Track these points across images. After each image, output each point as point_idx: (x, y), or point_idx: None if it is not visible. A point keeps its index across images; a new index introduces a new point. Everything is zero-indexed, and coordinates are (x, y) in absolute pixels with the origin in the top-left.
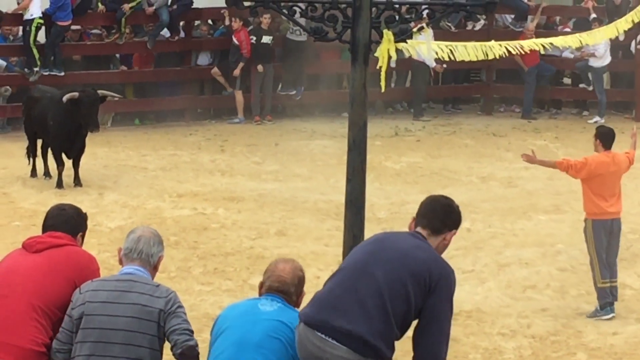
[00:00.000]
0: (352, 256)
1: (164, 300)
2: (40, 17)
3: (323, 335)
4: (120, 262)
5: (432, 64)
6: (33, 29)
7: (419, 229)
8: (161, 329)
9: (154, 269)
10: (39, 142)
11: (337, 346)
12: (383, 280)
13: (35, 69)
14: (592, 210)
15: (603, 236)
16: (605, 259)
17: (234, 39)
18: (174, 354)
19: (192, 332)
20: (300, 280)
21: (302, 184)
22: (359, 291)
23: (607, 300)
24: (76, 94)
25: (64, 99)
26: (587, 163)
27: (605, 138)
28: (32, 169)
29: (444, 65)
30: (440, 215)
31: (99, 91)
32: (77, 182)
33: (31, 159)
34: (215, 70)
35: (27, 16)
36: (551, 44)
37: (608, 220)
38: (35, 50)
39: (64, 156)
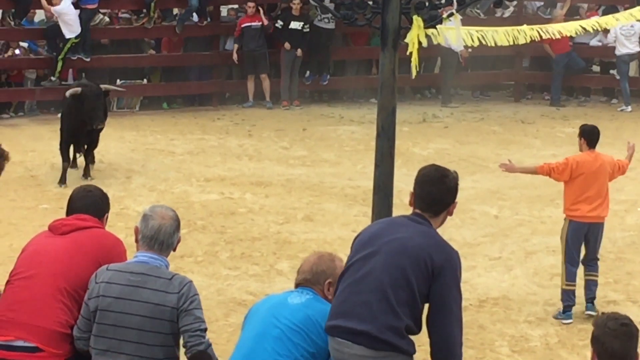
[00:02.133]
0: (355, 251)
1: (176, 297)
2: (76, 37)
3: (339, 339)
4: (137, 240)
5: (459, 49)
6: (66, 47)
7: (419, 212)
8: (175, 325)
9: (172, 250)
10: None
11: (351, 345)
12: (383, 273)
13: (52, 78)
14: (570, 212)
15: (577, 239)
16: (578, 260)
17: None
18: (185, 354)
19: (204, 330)
20: (323, 270)
21: (329, 170)
22: (362, 291)
23: (569, 303)
24: (78, 89)
25: (67, 94)
26: (569, 163)
27: (589, 136)
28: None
29: (469, 50)
30: (440, 199)
31: (102, 86)
32: (87, 174)
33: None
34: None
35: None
36: (582, 27)
37: (586, 223)
38: (60, 64)
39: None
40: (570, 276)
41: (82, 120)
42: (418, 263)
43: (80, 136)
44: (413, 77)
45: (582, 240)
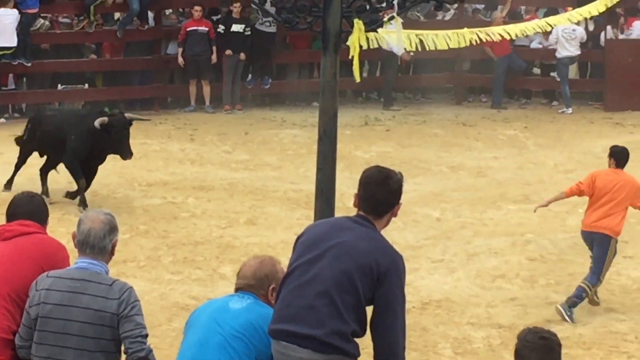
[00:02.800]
0: (298, 255)
1: (117, 303)
2: (8, 48)
3: (285, 343)
4: (76, 246)
5: (400, 53)
6: None
7: (363, 214)
8: (115, 331)
9: (109, 254)
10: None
11: (298, 349)
12: (330, 277)
13: None
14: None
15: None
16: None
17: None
18: None
19: (145, 336)
20: (266, 275)
21: (272, 173)
22: (308, 295)
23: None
24: (106, 118)
25: (97, 124)
26: (592, 176)
27: (618, 157)
28: (10, 181)
29: (412, 54)
30: (383, 201)
31: (127, 115)
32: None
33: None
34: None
35: None
36: (524, 29)
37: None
38: None
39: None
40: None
41: (101, 149)
42: (364, 267)
43: (90, 165)
44: (357, 80)
45: (589, 246)
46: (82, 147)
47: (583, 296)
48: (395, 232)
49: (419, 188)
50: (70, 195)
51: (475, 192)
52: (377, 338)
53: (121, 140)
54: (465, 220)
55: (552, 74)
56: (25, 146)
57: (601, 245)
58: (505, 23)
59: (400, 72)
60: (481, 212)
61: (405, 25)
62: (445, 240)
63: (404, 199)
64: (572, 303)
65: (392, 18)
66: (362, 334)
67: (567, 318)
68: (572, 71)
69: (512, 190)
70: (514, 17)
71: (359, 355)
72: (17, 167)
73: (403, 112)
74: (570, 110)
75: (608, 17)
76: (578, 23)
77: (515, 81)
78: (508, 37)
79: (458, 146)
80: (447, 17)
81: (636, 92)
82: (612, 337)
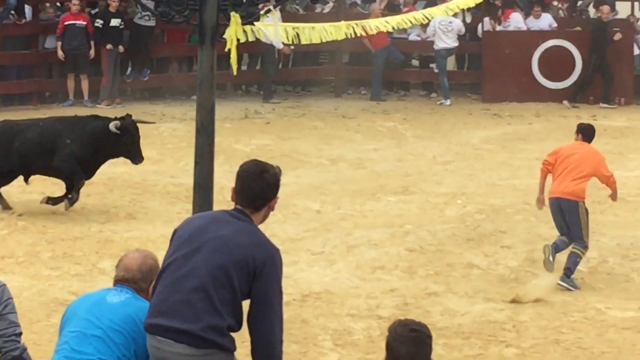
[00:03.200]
0: (175, 249)
1: None
2: None
3: (160, 337)
4: None
5: (280, 46)
6: None
7: (240, 207)
8: None
9: None
10: None
11: (173, 344)
12: (205, 272)
13: None
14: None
15: (553, 214)
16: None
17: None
18: None
19: (19, 334)
20: (150, 269)
21: (151, 167)
22: (184, 290)
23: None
24: (119, 122)
25: (112, 128)
26: (556, 150)
27: (585, 132)
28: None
29: (292, 47)
30: (260, 194)
31: (135, 119)
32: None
33: None
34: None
35: None
36: (399, 24)
37: (556, 199)
38: None
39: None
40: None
41: (107, 154)
42: (240, 262)
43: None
44: (234, 74)
45: (558, 216)
46: (80, 152)
47: (578, 261)
48: (275, 225)
49: (299, 181)
50: (53, 200)
51: (355, 184)
52: (254, 332)
53: (133, 144)
54: (345, 212)
55: (430, 65)
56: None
57: (571, 212)
58: (383, 15)
59: (280, 65)
60: (361, 204)
61: (284, 18)
62: (325, 233)
63: (283, 191)
64: (569, 272)
65: (269, 11)
66: (238, 328)
67: (572, 288)
68: (450, 63)
69: (391, 182)
70: (392, 9)
71: (234, 349)
72: None
73: (283, 105)
74: (448, 101)
75: (485, 8)
76: (455, 15)
77: (393, 73)
78: (385, 30)
79: (338, 138)
80: (326, 10)
81: (513, 83)
82: (491, 327)
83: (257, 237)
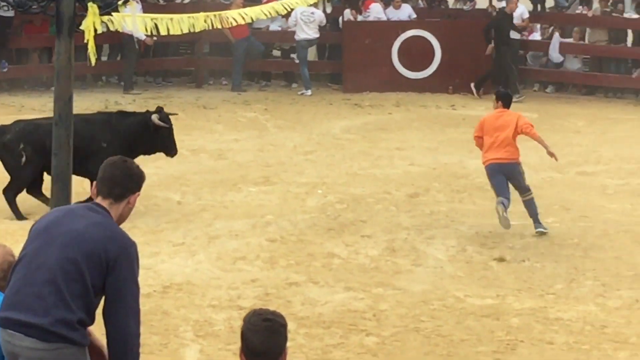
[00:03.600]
0: (30, 242)
1: None
2: None
3: (11, 331)
4: None
5: (142, 37)
6: None
7: (99, 199)
8: None
9: None
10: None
11: (24, 338)
12: (56, 266)
13: None
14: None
15: (494, 177)
16: (505, 193)
17: None
18: None
19: None
20: (10, 267)
21: None
22: (35, 283)
23: (502, 205)
24: (158, 115)
25: (156, 121)
26: (480, 122)
27: (504, 98)
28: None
29: (155, 38)
30: (120, 182)
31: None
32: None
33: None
34: None
35: None
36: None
37: (496, 164)
38: None
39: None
40: (499, 203)
41: (143, 149)
42: (92, 256)
43: None
44: (92, 64)
45: (503, 177)
46: (117, 151)
47: (535, 203)
48: (136, 216)
49: (160, 172)
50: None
51: (216, 175)
52: (108, 326)
53: (169, 137)
54: (205, 203)
55: (291, 56)
56: (26, 169)
57: (513, 172)
58: (244, 6)
59: (141, 56)
60: (222, 195)
61: (145, 9)
62: (186, 224)
63: (145, 182)
64: (537, 219)
65: (126, 1)
66: (90, 322)
67: (546, 229)
68: (311, 53)
69: (252, 173)
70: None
71: (86, 343)
72: (15, 195)
73: (143, 95)
74: (309, 92)
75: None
76: (316, 6)
77: (254, 64)
78: (243, 21)
79: (199, 129)
80: (186, 0)
81: (373, 73)
82: (351, 316)
83: (111, 231)
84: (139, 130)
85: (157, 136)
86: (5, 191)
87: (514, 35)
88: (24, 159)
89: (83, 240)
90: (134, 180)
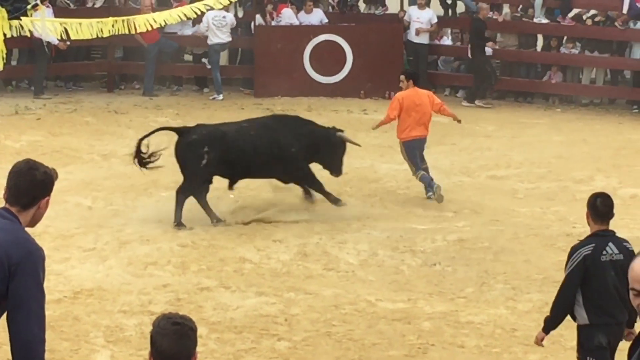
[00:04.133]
0: None
1: None
2: None
3: None
4: None
5: (55, 41)
6: None
7: (8, 205)
8: None
9: None
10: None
11: None
12: None
13: None
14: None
15: (413, 152)
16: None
17: None
18: None
19: None
20: None
21: None
22: None
23: (427, 181)
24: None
25: (344, 137)
26: (397, 99)
27: (414, 77)
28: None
29: (68, 42)
30: (26, 191)
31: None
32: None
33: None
34: None
35: None
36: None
37: (415, 140)
38: None
39: None
40: (424, 176)
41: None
42: None
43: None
44: (0, 69)
45: (417, 152)
46: (305, 158)
47: (427, 177)
48: (47, 221)
49: (70, 177)
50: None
51: (127, 180)
52: (11, 333)
53: (340, 157)
54: (117, 208)
55: (202, 60)
56: (202, 172)
57: (423, 146)
58: (154, 10)
59: (52, 60)
60: (133, 200)
61: (56, 13)
62: (97, 229)
63: (55, 188)
64: (430, 186)
65: (35, 6)
66: None
67: (436, 192)
68: (223, 58)
69: (163, 178)
70: (163, 3)
71: None
72: (186, 198)
73: (54, 100)
74: (221, 96)
75: (256, 5)
76: (227, 9)
77: (166, 68)
78: (152, 27)
79: (110, 134)
80: (98, 4)
81: (285, 77)
82: (263, 320)
83: (15, 235)
84: (323, 142)
85: (333, 153)
86: (179, 191)
87: (421, 39)
88: (204, 161)
89: None
90: (40, 188)
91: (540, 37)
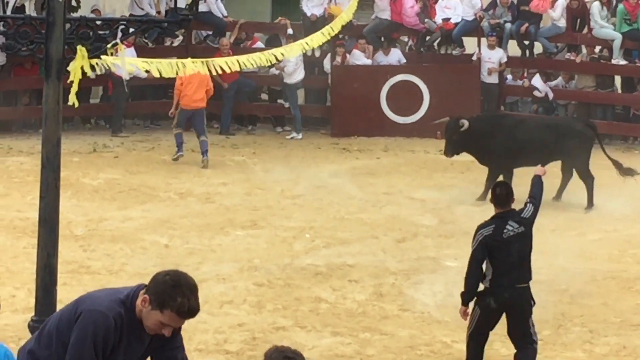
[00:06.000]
0: None
1: None
2: None
3: None
4: None
5: (143, 75)
6: None
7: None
8: None
9: None
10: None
11: None
12: None
13: None
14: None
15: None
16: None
17: None
18: None
19: None
20: None
21: None
22: None
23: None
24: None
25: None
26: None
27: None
28: None
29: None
30: None
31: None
32: None
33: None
34: None
35: None
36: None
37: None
38: None
39: None
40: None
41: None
42: None
43: None
44: (76, 107)
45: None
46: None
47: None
48: (124, 259)
49: (147, 215)
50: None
51: (204, 218)
52: None
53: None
54: (193, 247)
55: (278, 101)
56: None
57: (198, 115)
58: (232, 50)
59: (130, 99)
60: (209, 238)
61: (137, 52)
62: (173, 267)
63: (131, 226)
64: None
65: (115, 44)
66: None
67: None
68: (300, 96)
69: (239, 216)
70: (235, 42)
71: None
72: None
73: (131, 138)
74: (300, 135)
75: (333, 44)
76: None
77: (242, 107)
78: (229, 70)
79: (186, 172)
80: (176, 43)
81: (362, 118)
82: None
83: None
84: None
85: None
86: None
87: (492, 80)
88: None
89: None
90: None
91: (618, 78)
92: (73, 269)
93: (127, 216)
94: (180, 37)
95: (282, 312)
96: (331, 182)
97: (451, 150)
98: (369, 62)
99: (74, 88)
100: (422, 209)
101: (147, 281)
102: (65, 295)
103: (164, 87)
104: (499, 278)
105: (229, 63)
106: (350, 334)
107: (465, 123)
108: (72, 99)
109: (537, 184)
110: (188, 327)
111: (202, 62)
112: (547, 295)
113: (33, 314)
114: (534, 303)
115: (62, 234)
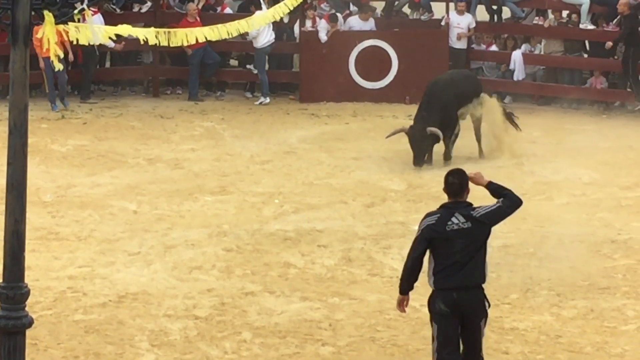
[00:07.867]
0: None
1: None
2: None
3: None
4: None
5: (111, 45)
6: None
7: None
8: None
9: None
10: None
11: None
12: None
13: None
14: None
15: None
16: None
17: None
18: None
19: None
20: None
21: None
22: None
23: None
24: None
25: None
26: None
27: None
28: None
29: (123, 44)
30: None
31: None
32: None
33: None
34: None
35: None
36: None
37: None
38: None
39: None
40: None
41: None
42: None
43: None
44: (61, 69)
45: None
46: None
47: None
48: (92, 225)
49: (116, 181)
50: None
51: (173, 184)
52: None
53: None
54: (162, 213)
55: (247, 66)
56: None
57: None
58: (199, 15)
59: (97, 65)
60: (178, 204)
61: (105, 18)
62: (142, 233)
63: (99, 192)
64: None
65: (82, 10)
66: None
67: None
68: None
69: (208, 182)
70: (204, 8)
71: None
72: None
73: (100, 104)
74: (268, 99)
75: (302, 10)
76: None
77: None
78: (188, 42)
79: (155, 138)
80: (144, 9)
81: (331, 83)
82: (307, 325)
83: None
84: None
85: None
86: None
87: (461, 45)
88: None
89: None
90: None
91: (587, 43)
92: (41, 235)
93: (95, 182)
94: (149, 3)
95: (251, 277)
96: (300, 147)
97: (422, 159)
98: (325, 38)
99: (53, 52)
100: (390, 173)
101: (115, 247)
102: (34, 261)
103: (133, 53)
104: (444, 279)
105: (190, 36)
106: (319, 298)
107: (433, 129)
108: (57, 65)
109: (506, 194)
110: (157, 293)
111: (165, 32)
112: (515, 259)
113: (1, 280)
114: (489, 305)
115: (30, 200)
